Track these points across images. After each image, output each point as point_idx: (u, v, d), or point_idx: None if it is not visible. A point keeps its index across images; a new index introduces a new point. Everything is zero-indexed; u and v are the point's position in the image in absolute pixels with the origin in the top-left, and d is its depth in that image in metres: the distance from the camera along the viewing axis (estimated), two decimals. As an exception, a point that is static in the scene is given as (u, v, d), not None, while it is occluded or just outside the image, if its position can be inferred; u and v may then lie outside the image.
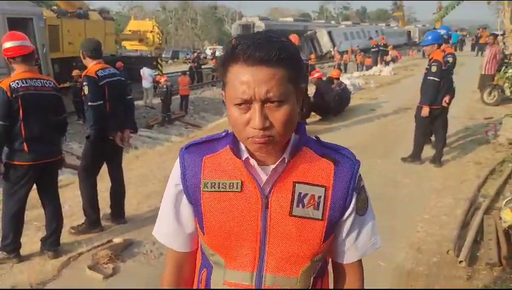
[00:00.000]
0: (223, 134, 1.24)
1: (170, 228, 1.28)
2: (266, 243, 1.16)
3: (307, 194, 1.15)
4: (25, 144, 3.69)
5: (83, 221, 4.49)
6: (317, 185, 1.16)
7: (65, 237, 4.24)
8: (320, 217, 1.16)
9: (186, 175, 1.21)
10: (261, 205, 1.15)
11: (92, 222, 4.47)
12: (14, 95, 3.60)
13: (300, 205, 1.15)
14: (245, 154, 1.16)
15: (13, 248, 3.87)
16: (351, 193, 1.18)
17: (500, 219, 4.31)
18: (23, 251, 3.98)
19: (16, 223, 3.87)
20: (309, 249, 1.16)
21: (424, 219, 4.77)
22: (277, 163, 1.16)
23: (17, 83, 3.65)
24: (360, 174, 1.22)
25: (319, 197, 1.15)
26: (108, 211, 4.73)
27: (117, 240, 4.25)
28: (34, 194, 4.08)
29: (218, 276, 1.21)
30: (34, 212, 4.81)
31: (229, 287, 1.19)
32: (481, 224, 4.34)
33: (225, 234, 1.17)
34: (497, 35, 13.46)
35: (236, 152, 1.17)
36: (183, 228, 1.27)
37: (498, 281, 3.51)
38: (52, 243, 4.00)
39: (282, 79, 1.05)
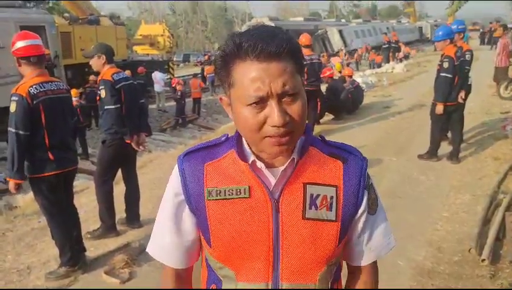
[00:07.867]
0: (223, 139, 1.18)
1: (169, 242, 1.19)
2: (279, 250, 1.09)
3: (319, 195, 1.10)
4: (49, 152, 3.48)
5: (98, 226, 4.49)
6: (328, 185, 1.11)
7: (81, 242, 4.24)
8: (334, 218, 1.10)
9: (188, 184, 1.13)
10: (271, 210, 1.08)
11: (108, 227, 4.46)
12: (35, 102, 3.36)
13: (313, 207, 1.09)
14: (251, 157, 1.10)
15: (75, 260, 3.76)
16: (362, 190, 1.14)
17: (523, 215, 4.21)
18: (41, 258, 3.98)
19: (69, 233, 3.74)
20: (325, 253, 1.11)
21: (443, 216, 4.68)
22: (286, 164, 1.10)
23: (36, 88, 3.39)
24: (368, 172, 1.18)
25: (331, 197, 1.10)
26: (124, 215, 4.72)
27: (133, 244, 4.25)
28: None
29: None
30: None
31: None
32: (503, 221, 4.24)
33: (235, 245, 1.10)
34: (507, 27, 13.24)
35: (242, 155, 1.11)
36: (183, 242, 1.19)
37: (523, 279, 3.42)
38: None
39: (293, 71, 1.02)
